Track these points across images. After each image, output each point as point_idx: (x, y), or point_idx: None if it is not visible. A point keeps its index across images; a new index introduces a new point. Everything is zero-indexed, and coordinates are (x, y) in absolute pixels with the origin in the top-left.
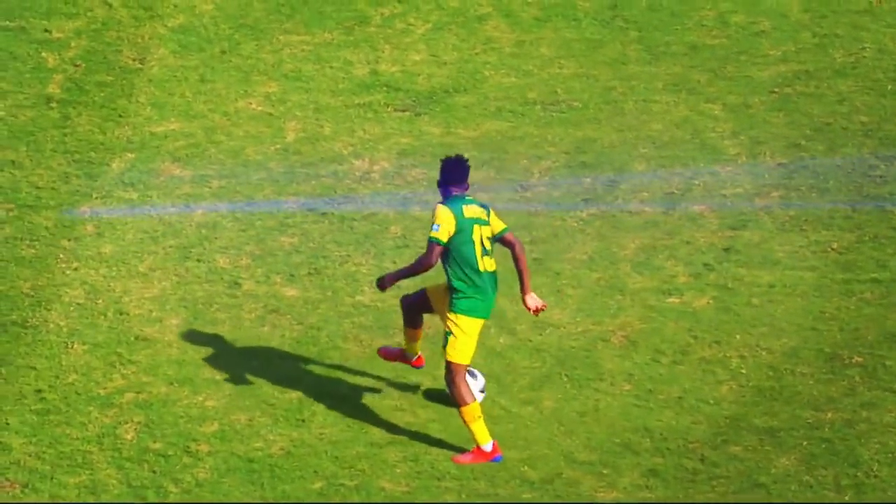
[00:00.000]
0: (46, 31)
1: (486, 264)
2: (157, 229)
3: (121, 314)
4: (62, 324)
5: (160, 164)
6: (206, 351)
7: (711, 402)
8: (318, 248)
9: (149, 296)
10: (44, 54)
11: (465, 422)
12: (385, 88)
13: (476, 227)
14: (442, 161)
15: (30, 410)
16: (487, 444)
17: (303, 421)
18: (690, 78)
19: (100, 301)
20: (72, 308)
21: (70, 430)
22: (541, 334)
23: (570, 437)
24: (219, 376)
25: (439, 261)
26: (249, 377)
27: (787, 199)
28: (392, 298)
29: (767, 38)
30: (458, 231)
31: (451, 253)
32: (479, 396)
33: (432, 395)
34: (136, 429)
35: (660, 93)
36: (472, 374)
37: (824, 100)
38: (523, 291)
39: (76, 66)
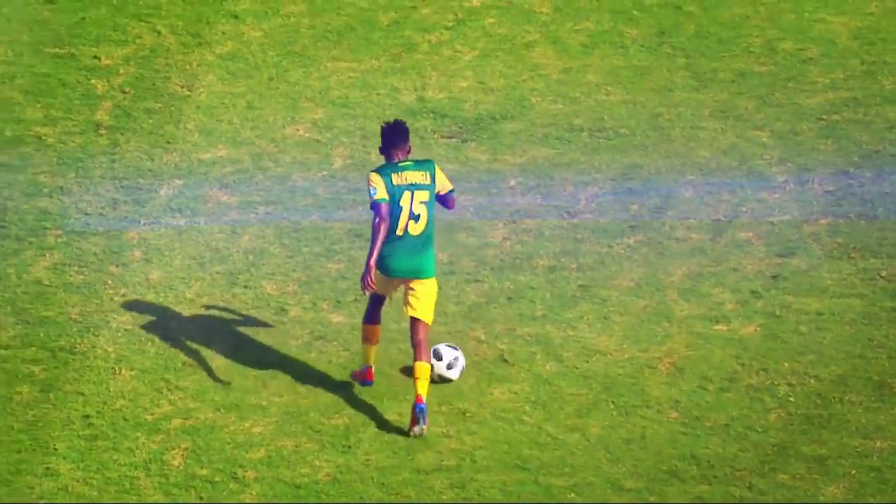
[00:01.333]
0: (95, 57)
1: (411, 228)
2: (204, 255)
3: (168, 340)
4: (110, 350)
5: (207, 190)
6: (253, 376)
7: (759, 429)
8: None
9: (196, 322)
10: (93, 81)
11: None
12: (432, 115)
13: (407, 193)
14: (381, 127)
15: (77, 436)
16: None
17: (349, 447)
18: (738, 105)
19: (147, 327)
20: (119, 334)
21: (117, 456)
22: (587, 361)
23: (617, 465)
24: (265, 402)
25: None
26: (296, 403)
27: (835, 226)
28: (438, 325)
29: (816, 65)
30: (388, 196)
31: None
32: (448, 373)
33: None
34: (183, 455)
35: (707, 119)
36: (456, 358)
37: (873, 127)
38: None
39: (125, 92)
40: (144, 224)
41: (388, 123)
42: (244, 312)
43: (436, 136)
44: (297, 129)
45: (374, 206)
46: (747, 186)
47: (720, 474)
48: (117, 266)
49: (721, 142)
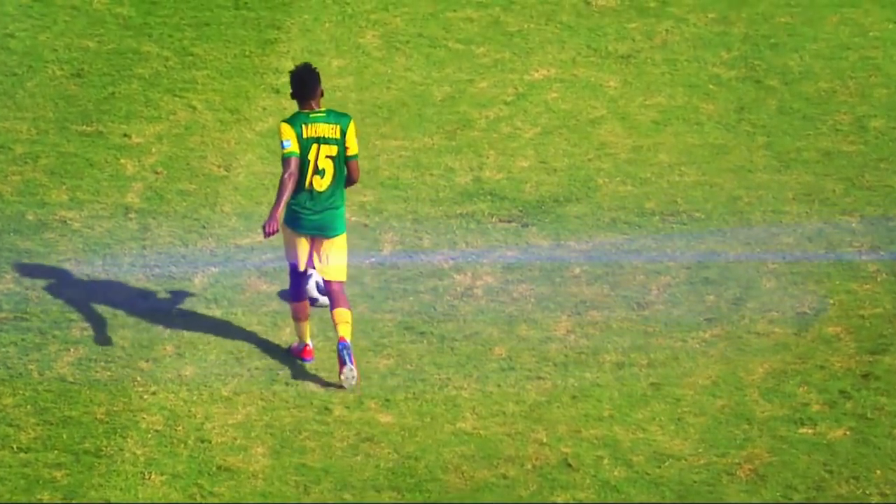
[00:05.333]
0: (125, 135)
1: (316, 183)
2: (241, 349)
3: (202, 442)
4: (139, 452)
5: (246, 278)
6: (294, 482)
7: None
8: (416, 370)
9: (233, 422)
10: (122, 161)
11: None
12: (489, 197)
13: (315, 146)
14: (290, 73)
15: None
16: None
17: None
18: (824, 187)
19: (179, 428)
20: (149, 435)
21: None
22: (659, 466)
23: None
24: None
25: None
26: None
27: None
28: (496, 426)
29: None
30: (299, 151)
31: None
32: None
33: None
34: None
35: (790, 203)
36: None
37: None
38: None
39: (157, 173)
40: (177, 315)
41: (297, 71)
42: (285, 412)
43: (494, 219)
44: None
45: (285, 159)
46: (835, 276)
47: None
48: (147, 361)
49: (806, 227)
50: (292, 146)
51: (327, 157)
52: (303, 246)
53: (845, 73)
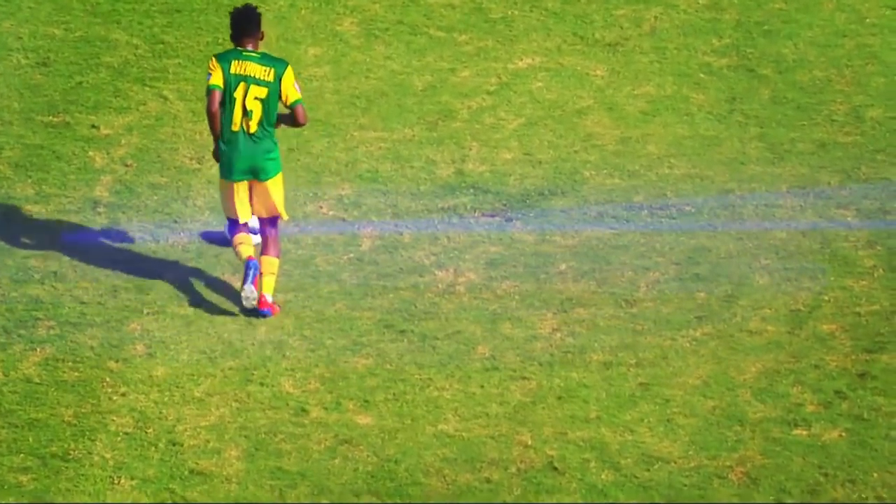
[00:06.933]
0: (94, 127)
1: (245, 125)
2: (215, 349)
3: (174, 445)
4: (108, 456)
5: (220, 275)
6: (270, 486)
7: None
8: (396, 370)
9: (205, 424)
10: (90, 153)
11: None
12: (472, 190)
13: (242, 84)
14: (230, 13)
15: None
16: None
17: None
18: (819, 180)
19: (150, 430)
20: (119, 438)
21: None
22: (648, 470)
23: None
24: None
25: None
26: None
27: None
28: (479, 428)
29: None
30: (224, 85)
31: None
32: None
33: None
34: None
35: (784, 196)
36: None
37: None
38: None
39: (127, 165)
40: (148, 314)
41: (237, 9)
42: (259, 413)
43: (476, 214)
44: (321, 207)
45: (208, 92)
46: (830, 272)
47: None
48: (117, 361)
49: (800, 221)
50: (214, 78)
51: (256, 98)
52: (241, 195)
53: (841, 62)
